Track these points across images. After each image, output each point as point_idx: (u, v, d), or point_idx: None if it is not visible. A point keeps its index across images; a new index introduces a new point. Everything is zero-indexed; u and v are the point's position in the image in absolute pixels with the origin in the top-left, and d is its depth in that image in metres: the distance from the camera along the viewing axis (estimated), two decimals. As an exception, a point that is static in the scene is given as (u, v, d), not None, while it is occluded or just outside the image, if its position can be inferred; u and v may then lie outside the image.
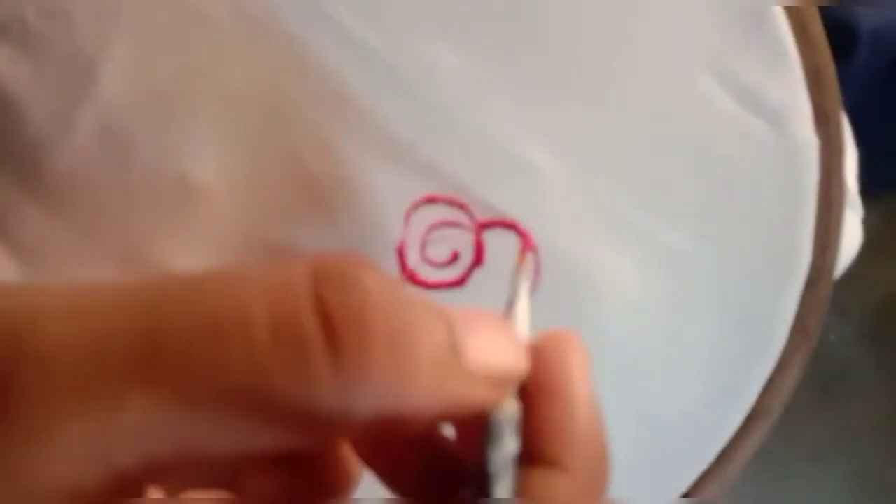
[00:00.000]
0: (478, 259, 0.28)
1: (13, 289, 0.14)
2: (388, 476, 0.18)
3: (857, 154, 0.34)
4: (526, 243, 0.26)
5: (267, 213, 0.27)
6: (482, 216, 0.28)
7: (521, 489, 0.17)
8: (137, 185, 0.26)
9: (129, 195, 0.26)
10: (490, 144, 0.27)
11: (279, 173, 0.27)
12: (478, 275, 0.28)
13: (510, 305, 0.21)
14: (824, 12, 0.30)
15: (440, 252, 0.28)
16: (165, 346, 0.13)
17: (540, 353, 0.18)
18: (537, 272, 0.29)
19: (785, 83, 0.28)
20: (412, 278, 0.28)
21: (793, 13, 0.29)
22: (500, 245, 0.28)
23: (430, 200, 0.28)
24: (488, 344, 0.17)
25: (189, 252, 0.27)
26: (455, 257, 0.28)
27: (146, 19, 0.25)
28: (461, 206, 0.28)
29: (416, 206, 0.28)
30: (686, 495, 0.33)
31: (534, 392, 0.18)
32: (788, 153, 0.29)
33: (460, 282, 0.28)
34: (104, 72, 0.25)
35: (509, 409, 0.17)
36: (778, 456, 0.32)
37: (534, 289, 0.29)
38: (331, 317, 0.13)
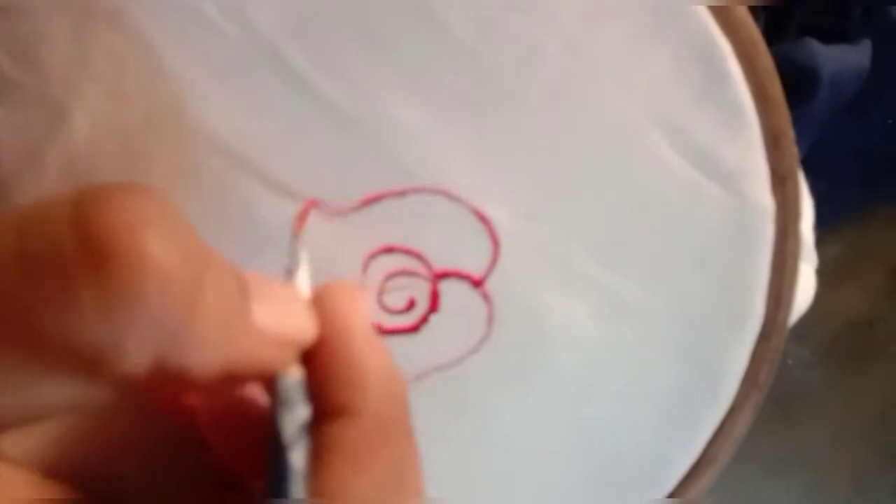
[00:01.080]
0: (433, 307, 0.29)
1: None
2: (241, 459, 0.18)
3: (817, 187, 0.34)
4: (305, 209, 0.26)
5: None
6: (439, 265, 0.28)
7: (315, 448, 0.16)
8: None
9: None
10: (444, 195, 0.27)
11: (239, 221, 0.27)
12: (433, 321, 0.29)
13: (290, 272, 0.21)
14: (787, 57, 0.30)
15: (397, 299, 0.29)
16: None
17: (317, 308, 0.18)
18: (491, 321, 0.29)
19: (742, 146, 0.29)
20: (368, 324, 0.28)
21: (751, 75, 0.29)
22: (455, 293, 0.29)
23: (388, 250, 0.28)
24: (277, 307, 0.16)
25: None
26: (411, 304, 0.29)
27: (115, 67, 0.26)
28: (418, 257, 0.28)
29: (374, 255, 0.28)
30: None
31: (316, 348, 0.18)
32: (743, 216, 0.30)
33: (415, 328, 0.29)
34: (73, 115, 0.26)
35: (296, 374, 0.17)
36: (736, 471, 0.33)
37: (487, 338, 0.29)
38: (92, 236, 0.12)
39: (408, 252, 0.28)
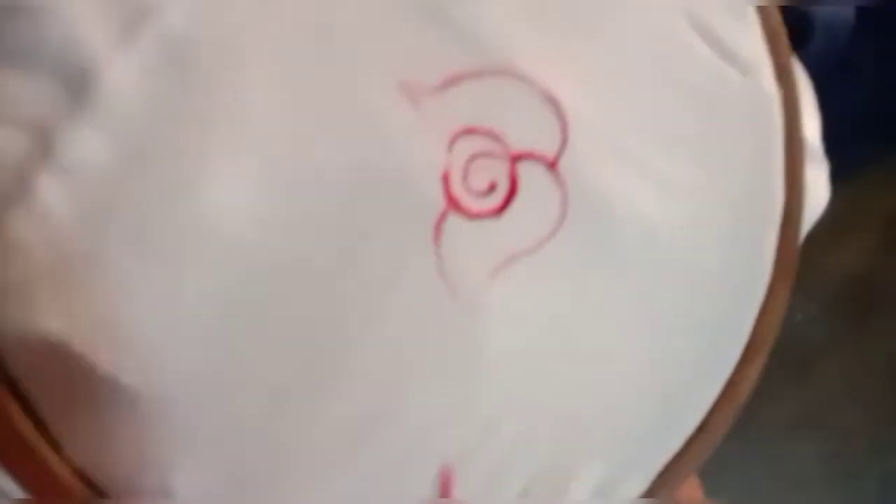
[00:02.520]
0: (513, 189, 0.29)
1: None
2: None
3: None
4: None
5: (320, 147, 0.27)
6: (516, 147, 0.29)
7: None
8: (197, 109, 0.25)
9: (187, 120, 0.25)
10: (516, 77, 0.28)
11: (334, 102, 0.27)
12: (512, 205, 0.29)
13: None
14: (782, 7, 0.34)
15: (479, 181, 0.29)
16: None
17: None
18: (565, 203, 0.30)
19: (752, 38, 0.32)
20: (457, 206, 0.28)
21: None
22: (530, 174, 0.29)
23: (469, 131, 0.29)
24: None
25: (241, 181, 0.26)
26: (492, 187, 0.29)
27: None
28: (496, 137, 0.29)
29: (457, 136, 0.28)
30: (702, 427, 0.33)
31: None
32: (758, 102, 0.33)
33: (498, 211, 0.29)
34: (168, 4, 0.25)
35: None
36: (750, 430, 0.33)
37: (562, 218, 0.30)
38: None
39: (488, 132, 0.29)
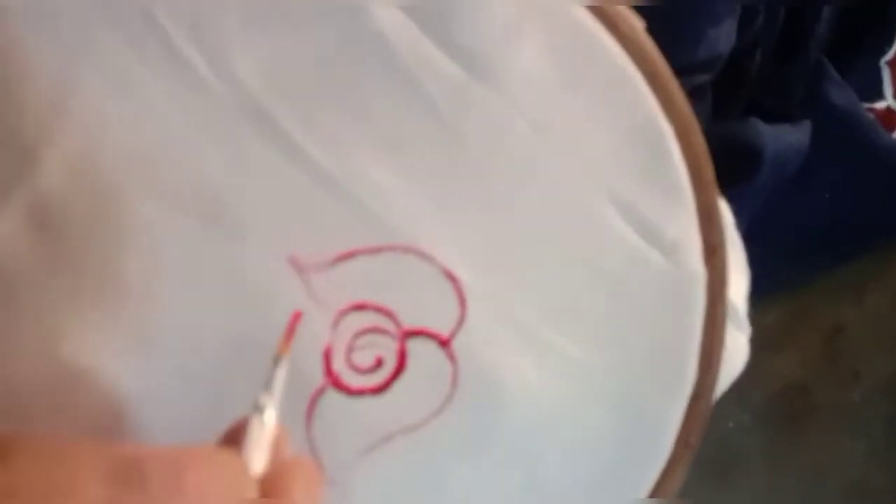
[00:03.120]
0: (400, 366, 0.28)
1: None
2: None
3: (757, 258, 0.36)
4: (290, 327, 0.26)
5: (199, 316, 0.26)
6: (408, 323, 0.28)
7: None
8: (64, 280, 0.25)
9: (53, 291, 0.24)
10: (416, 255, 0.27)
11: (216, 277, 0.26)
12: (398, 383, 0.28)
13: (258, 407, 0.22)
14: (732, 135, 0.32)
15: (365, 357, 0.28)
16: None
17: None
18: (454, 382, 0.29)
19: (681, 219, 0.31)
20: (336, 383, 0.28)
21: (688, 155, 0.31)
22: (422, 352, 0.28)
23: (360, 307, 0.28)
24: None
25: (115, 356, 0.25)
26: (379, 363, 0.28)
27: (94, 113, 0.24)
28: (388, 314, 0.28)
29: (346, 311, 0.27)
30: None
31: None
32: (680, 282, 0.31)
33: (382, 388, 0.28)
34: (44, 157, 0.24)
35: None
36: None
37: (450, 400, 0.29)
38: None
39: (378, 310, 0.28)
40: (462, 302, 0.28)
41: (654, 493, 0.33)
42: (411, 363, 0.28)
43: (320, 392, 0.27)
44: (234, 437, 0.22)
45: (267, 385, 0.23)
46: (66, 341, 0.24)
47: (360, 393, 0.28)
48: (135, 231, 0.25)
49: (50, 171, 0.24)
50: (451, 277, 0.28)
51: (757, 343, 0.40)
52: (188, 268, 0.25)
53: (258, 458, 0.21)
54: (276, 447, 0.22)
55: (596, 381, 0.30)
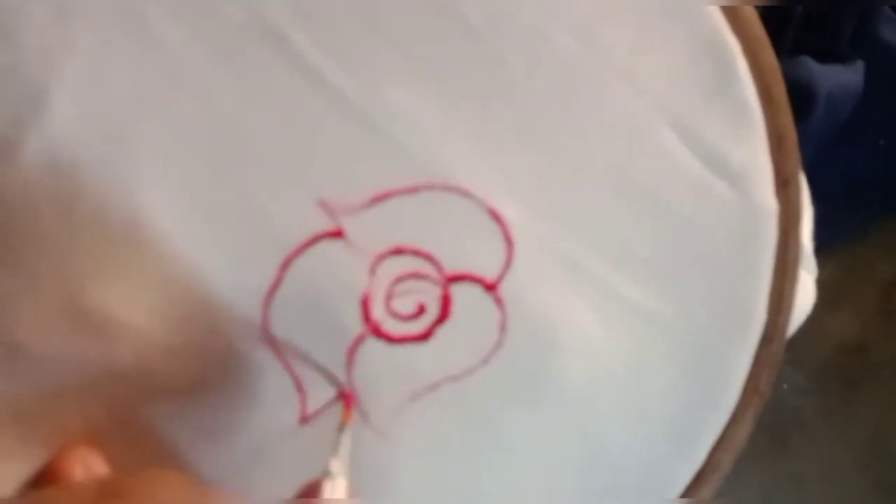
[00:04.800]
0: (443, 314, 0.26)
1: None
2: None
3: (812, 210, 0.33)
4: (346, 403, 0.25)
5: (222, 259, 0.24)
6: (450, 268, 0.26)
7: None
8: (83, 225, 0.23)
9: (72, 236, 0.23)
10: (456, 192, 0.25)
11: (238, 219, 0.24)
12: (442, 330, 0.26)
13: (329, 474, 0.22)
14: (783, 74, 0.29)
15: (406, 304, 0.26)
16: None
17: None
18: (503, 328, 0.27)
19: (748, 146, 0.27)
20: (376, 331, 0.26)
21: (757, 75, 0.28)
22: (467, 297, 0.26)
23: (397, 251, 0.25)
24: None
25: (134, 301, 0.24)
26: (421, 310, 0.26)
27: (100, 45, 0.22)
28: (428, 258, 0.26)
29: (382, 256, 0.25)
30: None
31: None
32: (748, 216, 0.28)
33: (425, 336, 0.26)
34: (54, 100, 0.22)
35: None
36: (729, 498, 0.30)
37: (499, 347, 0.27)
38: None
39: (417, 253, 0.25)
40: (508, 242, 0.26)
41: (722, 444, 0.31)
42: (455, 309, 0.26)
43: (360, 340, 0.25)
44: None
45: (334, 450, 0.23)
46: (88, 294, 0.23)
47: (401, 341, 0.25)
48: (152, 174, 0.23)
49: (59, 114, 0.22)
50: (496, 216, 0.25)
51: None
52: (209, 214, 0.24)
53: None
54: None
55: (660, 327, 0.27)
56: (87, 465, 0.22)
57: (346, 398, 0.25)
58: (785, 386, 0.53)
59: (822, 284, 0.36)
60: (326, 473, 0.22)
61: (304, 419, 0.25)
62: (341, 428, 0.24)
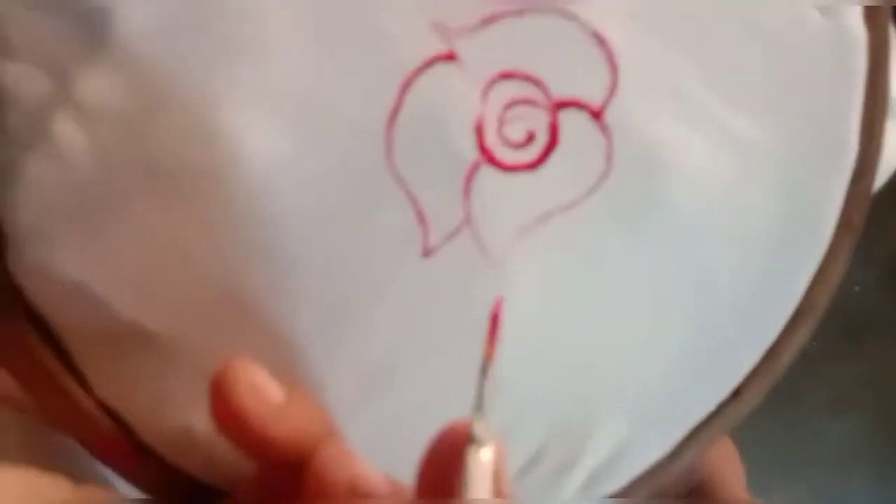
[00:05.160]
0: (553, 140, 0.26)
1: None
2: None
3: None
4: (492, 329, 0.22)
5: (347, 82, 0.24)
6: (557, 93, 0.26)
7: None
8: (213, 42, 0.23)
9: (203, 53, 0.23)
10: (560, 15, 0.25)
11: (359, 42, 0.24)
12: (552, 157, 0.26)
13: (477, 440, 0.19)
14: None
15: (516, 131, 0.26)
16: None
17: None
18: (609, 157, 0.27)
19: None
20: (490, 158, 0.26)
21: None
22: (573, 124, 0.26)
23: (507, 76, 0.26)
24: None
25: (263, 127, 0.24)
26: (531, 137, 0.26)
27: None
28: (537, 83, 0.26)
29: (493, 81, 0.26)
30: (736, 393, 0.31)
31: None
32: (841, 44, 0.28)
33: (536, 164, 0.26)
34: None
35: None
36: (803, 401, 0.31)
37: (606, 175, 0.27)
38: None
39: (527, 78, 0.26)
40: (613, 67, 0.26)
41: (818, 279, 0.31)
42: (563, 137, 0.26)
43: (475, 168, 0.25)
44: (435, 474, 0.19)
45: (477, 406, 0.19)
46: (222, 115, 0.23)
47: (514, 169, 0.26)
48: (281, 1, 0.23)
49: None
50: (600, 39, 0.26)
51: (881, 198, 0.36)
52: (329, 36, 0.24)
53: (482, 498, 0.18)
54: (498, 481, 0.19)
55: (761, 158, 0.28)
56: (255, 387, 0.20)
57: (493, 318, 0.22)
58: (856, 287, 0.52)
59: (892, 181, 0.35)
60: (472, 439, 0.18)
61: (427, 251, 0.25)
62: (483, 370, 0.20)
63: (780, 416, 0.31)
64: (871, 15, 0.29)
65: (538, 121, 0.26)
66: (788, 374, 0.30)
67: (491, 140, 0.26)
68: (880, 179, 0.33)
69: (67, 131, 0.23)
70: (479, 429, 0.18)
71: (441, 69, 0.25)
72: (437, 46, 0.25)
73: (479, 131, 0.25)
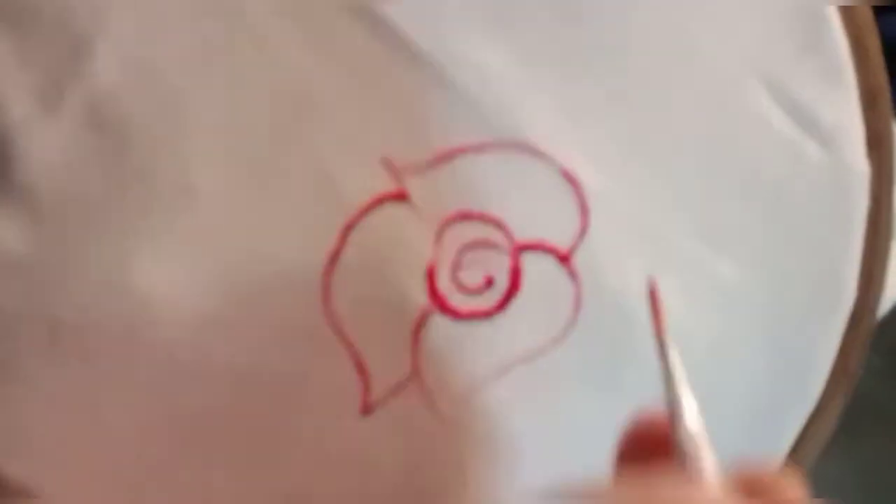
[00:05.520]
0: (514, 286, 0.23)
1: None
2: None
3: None
4: (655, 303, 0.20)
5: (279, 223, 0.22)
6: (520, 236, 0.23)
7: None
8: (128, 184, 0.21)
9: (117, 196, 0.21)
10: (527, 152, 0.22)
11: (297, 180, 0.22)
12: (513, 304, 0.24)
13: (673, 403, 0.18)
14: (879, 30, 0.26)
15: (473, 276, 0.23)
16: None
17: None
18: (577, 304, 0.24)
19: (840, 103, 0.25)
20: (442, 306, 0.23)
21: (849, 27, 0.25)
22: (538, 268, 0.24)
23: (464, 217, 0.23)
24: None
25: (184, 272, 0.21)
26: (489, 282, 0.23)
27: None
28: (498, 225, 0.23)
29: (449, 222, 0.23)
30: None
31: None
32: (839, 178, 0.26)
33: (494, 311, 0.23)
34: (99, 50, 0.20)
35: None
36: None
37: (573, 325, 0.24)
38: None
39: (486, 219, 0.23)
40: (584, 209, 0.23)
41: (809, 430, 0.28)
42: (526, 282, 0.23)
43: (425, 316, 0.23)
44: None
45: (668, 379, 0.18)
46: (138, 267, 0.20)
47: (469, 317, 0.23)
48: (204, 132, 0.21)
49: (105, 66, 0.20)
50: (571, 179, 0.23)
51: None
52: (265, 175, 0.21)
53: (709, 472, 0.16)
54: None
55: (751, 306, 0.25)
56: None
57: (653, 295, 0.20)
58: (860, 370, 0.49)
59: None
60: (673, 416, 0.17)
61: (367, 408, 0.22)
62: (661, 345, 0.18)
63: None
64: (873, 147, 0.26)
65: (498, 265, 0.23)
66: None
67: (444, 285, 0.23)
68: (883, 309, 0.30)
69: None
70: (677, 400, 0.18)
71: (390, 210, 0.22)
72: (386, 185, 0.22)
73: (430, 276, 0.23)
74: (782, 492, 0.15)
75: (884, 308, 0.30)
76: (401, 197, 0.22)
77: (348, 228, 0.22)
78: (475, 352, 0.23)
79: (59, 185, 0.20)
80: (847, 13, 0.25)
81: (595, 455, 0.25)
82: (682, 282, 0.24)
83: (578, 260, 0.24)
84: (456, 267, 0.23)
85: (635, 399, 0.25)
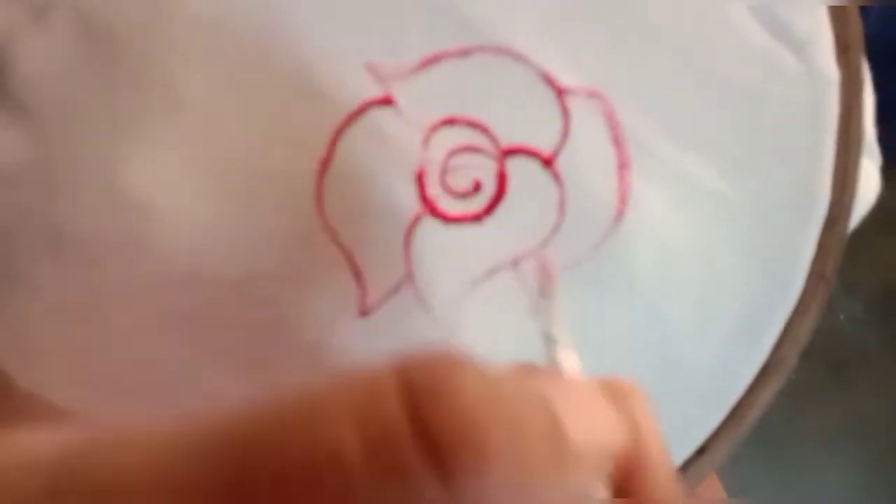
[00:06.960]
0: (500, 190, 0.24)
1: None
2: None
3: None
4: (543, 263, 0.21)
5: (269, 131, 0.22)
6: (505, 140, 0.24)
7: None
8: (119, 92, 0.21)
9: (109, 104, 0.21)
10: (509, 56, 0.23)
11: (283, 88, 0.22)
12: (501, 208, 0.24)
13: (550, 341, 0.19)
14: None
15: (461, 181, 0.24)
16: (257, 490, 0.12)
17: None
18: (562, 207, 0.25)
19: (811, 11, 0.25)
20: (432, 210, 0.24)
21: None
22: (522, 172, 0.24)
23: (450, 122, 0.23)
24: (587, 422, 0.16)
25: (176, 179, 0.22)
26: (477, 187, 0.24)
27: None
28: (483, 130, 0.24)
29: (435, 127, 0.23)
30: (702, 450, 0.29)
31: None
32: (812, 84, 0.26)
33: (482, 215, 0.24)
34: None
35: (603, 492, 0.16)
36: (790, 442, 0.28)
37: (558, 228, 0.25)
38: (431, 435, 0.12)
39: (472, 124, 0.23)
40: (565, 112, 0.24)
41: (787, 336, 0.29)
42: (512, 186, 0.24)
43: (416, 220, 0.23)
44: None
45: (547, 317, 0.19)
46: (132, 174, 0.21)
47: (459, 220, 0.24)
48: (190, 38, 0.21)
49: None
50: (552, 83, 0.23)
51: (867, 225, 0.34)
52: (252, 81, 0.21)
53: None
54: None
55: (727, 208, 0.26)
56: None
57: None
58: (842, 316, 0.50)
59: (879, 209, 0.34)
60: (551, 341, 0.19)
61: (365, 311, 0.23)
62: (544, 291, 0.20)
63: (768, 461, 0.28)
64: (841, 53, 0.27)
65: (485, 169, 0.24)
66: (772, 413, 0.28)
67: (433, 190, 0.23)
68: (855, 219, 0.31)
69: None
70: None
71: (376, 115, 0.22)
72: (372, 90, 0.22)
73: (419, 181, 0.23)
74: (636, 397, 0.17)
75: (856, 218, 0.31)
76: (387, 102, 0.23)
77: (337, 134, 0.22)
78: (465, 255, 0.24)
79: (52, 94, 0.21)
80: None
81: (579, 353, 0.26)
82: (663, 186, 0.25)
83: (561, 163, 0.24)
84: (444, 171, 0.23)
85: (620, 301, 0.26)
